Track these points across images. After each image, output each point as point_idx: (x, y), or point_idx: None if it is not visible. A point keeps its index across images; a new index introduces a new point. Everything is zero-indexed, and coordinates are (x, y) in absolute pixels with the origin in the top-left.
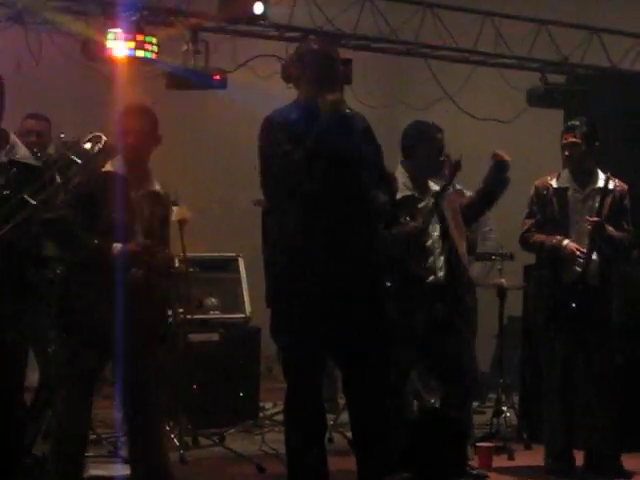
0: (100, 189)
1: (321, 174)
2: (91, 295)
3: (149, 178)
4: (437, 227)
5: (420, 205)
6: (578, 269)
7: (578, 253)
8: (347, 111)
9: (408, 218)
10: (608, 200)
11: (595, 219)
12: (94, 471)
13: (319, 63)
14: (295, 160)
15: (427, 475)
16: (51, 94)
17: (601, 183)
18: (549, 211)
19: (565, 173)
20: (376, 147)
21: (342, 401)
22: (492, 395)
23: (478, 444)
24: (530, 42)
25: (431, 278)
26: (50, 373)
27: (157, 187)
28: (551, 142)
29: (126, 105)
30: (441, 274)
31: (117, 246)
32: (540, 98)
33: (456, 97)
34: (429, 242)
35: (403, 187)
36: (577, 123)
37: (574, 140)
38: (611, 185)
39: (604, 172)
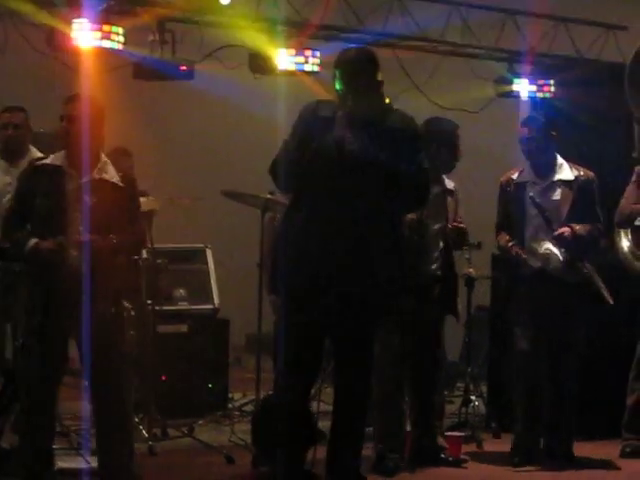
0: (36, 181)
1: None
2: (42, 290)
3: (99, 166)
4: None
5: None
6: (538, 263)
7: (524, 257)
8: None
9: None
10: (571, 190)
11: (560, 232)
12: (61, 464)
13: (354, 67)
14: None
15: None
16: (16, 85)
17: (563, 174)
18: (511, 207)
19: (527, 166)
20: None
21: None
22: (460, 384)
23: (447, 433)
24: (497, 32)
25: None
26: (17, 365)
27: (107, 175)
28: (518, 132)
29: (69, 94)
30: (435, 267)
31: (30, 243)
32: (507, 88)
33: (424, 87)
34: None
35: None
36: (533, 116)
37: (530, 134)
38: (573, 174)
39: (568, 161)
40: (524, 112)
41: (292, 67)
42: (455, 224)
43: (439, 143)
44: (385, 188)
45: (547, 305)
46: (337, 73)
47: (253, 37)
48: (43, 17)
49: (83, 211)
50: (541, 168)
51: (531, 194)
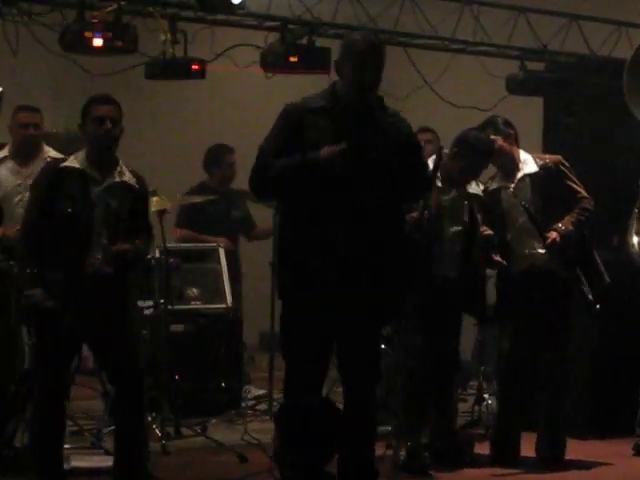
0: (58, 184)
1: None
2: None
3: (117, 168)
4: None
5: (445, 197)
6: (524, 265)
7: (504, 264)
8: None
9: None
10: (541, 181)
11: (550, 241)
12: (76, 463)
13: (361, 54)
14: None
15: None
16: (29, 85)
17: (527, 168)
18: (491, 216)
19: (497, 173)
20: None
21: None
22: (474, 382)
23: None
24: (509, 30)
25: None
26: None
27: (126, 177)
28: (530, 130)
29: (96, 94)
30: (450, 270)
31: (33, 292)
32: (519, 85)
33: (436, 85)
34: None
35: None
36: (490, 120)
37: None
38: (537, 165)
39: (530, 154)
40: (537, 110)
41: (303, 66)
42: (485, 234)
43: (483, 163)
44: (388, 185)
45: (535, 306)
46: (342, 58)
47: (265, 36)
48: (55, 17)
49: (107, 215)
50: (506, 170)
51: (523, 202)
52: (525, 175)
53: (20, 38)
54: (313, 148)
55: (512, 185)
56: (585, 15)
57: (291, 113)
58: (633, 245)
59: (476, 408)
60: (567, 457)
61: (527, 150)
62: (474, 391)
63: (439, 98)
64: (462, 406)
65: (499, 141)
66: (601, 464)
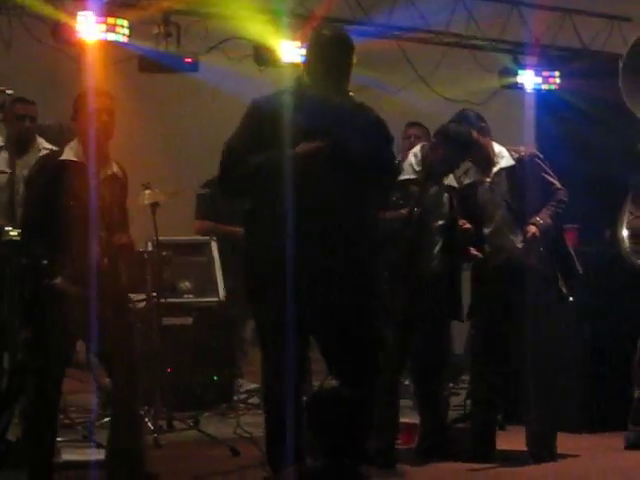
0: (58, 177)
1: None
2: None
3: (108, 161)
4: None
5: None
6: (502, 257)
7: (480, 256)
8: (347, 101)
9: (402, 202)
10: (517, 173)
11: (530, 236)
12: (67, 456)
13: (329, 49)
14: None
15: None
16: (22, 78)
17: (503, 162)
18: (469, 210)
19: (472, 167)
20: (377, 140)
21: (316, 383)
22: (465, 377)
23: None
24: (502, 24)
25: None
26: (23, 358)
27: (115, 169)
28: (523, 123)
29: (90, 87)
30: (434, 264)
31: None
32: (512, 80)
33: (429, 79)
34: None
35: (410, 169)
36: (462, 114)
37: None
38: (513, 159)
39: (504, 147)
40: (529, 104)
41: (297, 59)
42: (465, 227)
43: (443, 142)
44: (355, 175)
45: (512, 302)
46: (311, 54)
47: (258, 29)
48: (48, 10)
49: (104, 208)
50: (481, 163)
51: (506, 199)
52: (501, 169)
53: (13, 31)
54: (284, 145)
55: (488, 179)
56: (578, 9)
57: (258, 109)
58: (623, 239)
59: (468, 402)
60: (559, 452)
61: (519, 144)
62: (466, 385)
63: (432, 92)
64: (454, 400)
65: (474, 135)
66: (592, 458)
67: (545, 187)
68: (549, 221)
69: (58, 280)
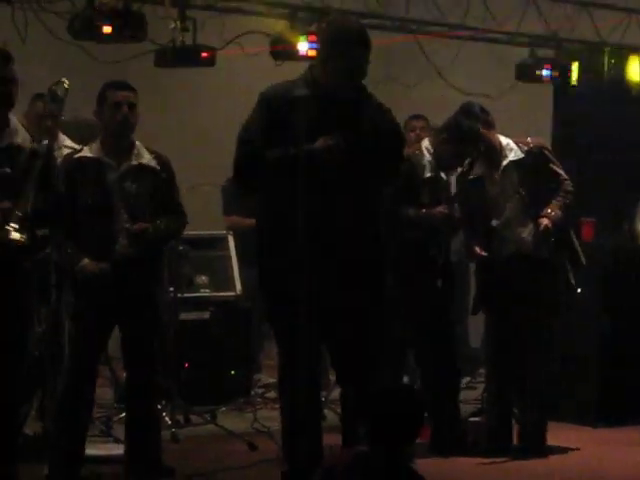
0: (74, 176)
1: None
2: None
3: (134, 151)
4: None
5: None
6: (512, 249)
7: (484, 254)
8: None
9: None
10: (526, 167)
11: (543, 229)
12: (87, 450)
13: (343, 41)
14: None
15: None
16: (38, 73)
17: (512, 154)
18: (474, 204)
19: (477, 160)
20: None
21: (333, 378)
22: (483, 370)
23: (470, 419)
24: (519, 17)
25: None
26: (40, 351)
27: (144, 160)
28: (540, 117)
29: (112, 81)
30: (454, 257)
31: (82, 262)
32: (529, 73)
33: (445, 73)
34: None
35: (429, 165)
36: (466, 107)
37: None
38: (522, 152)
39: (510, 139)
40: (546, 97)
41: (313, 53)
42: (445, 212)
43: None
44: (364, 170)
45: (519, 292)
46: (324, 46)
47: (274, 24)
48: (64, 5)
49: (126, 199)
50: (488, 156)
51: (520, 191)
52: (511, 162)
53: (29, 26)
54: (300, 139)
55: (497, 173)
56: (595, 2)
57: (271, 102)
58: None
59: (485, 396)
60: (575, 445)
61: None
62: (483, 379)
63: (448, 85)
64: (471, 394)
65: (479, 128)
66: (609, 451)
67: (552, 179)
68: (559, 213)
69: (85, 261)
